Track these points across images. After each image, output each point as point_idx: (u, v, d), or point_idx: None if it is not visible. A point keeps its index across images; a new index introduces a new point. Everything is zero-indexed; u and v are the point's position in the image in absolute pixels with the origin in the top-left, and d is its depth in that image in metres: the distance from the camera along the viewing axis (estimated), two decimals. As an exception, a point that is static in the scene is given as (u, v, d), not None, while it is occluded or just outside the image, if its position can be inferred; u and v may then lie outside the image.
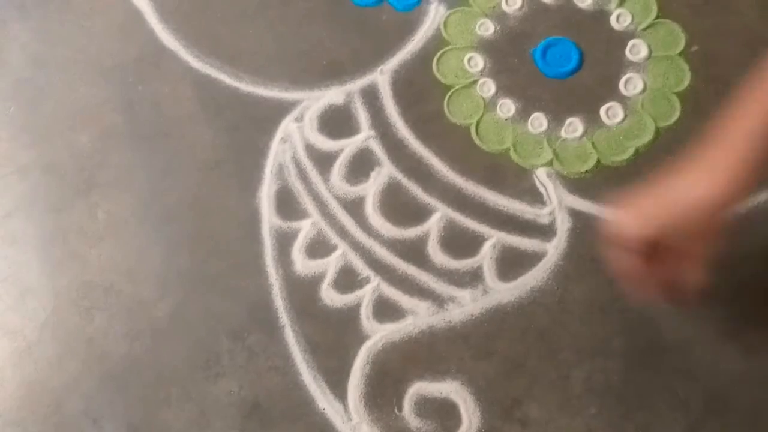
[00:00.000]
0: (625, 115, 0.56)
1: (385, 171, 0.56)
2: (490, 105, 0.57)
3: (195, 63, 0.60)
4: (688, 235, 0.41)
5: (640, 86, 0.57)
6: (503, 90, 0.58)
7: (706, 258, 0.42)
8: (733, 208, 0.40)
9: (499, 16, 0.60)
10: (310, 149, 0.57)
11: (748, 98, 0.42)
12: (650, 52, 0.58)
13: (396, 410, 0.49)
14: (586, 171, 0.55)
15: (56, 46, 0.62)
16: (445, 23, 0.60)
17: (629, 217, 0.41)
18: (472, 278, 0.53)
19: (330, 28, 0.61)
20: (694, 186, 0.41)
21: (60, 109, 0.59)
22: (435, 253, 0.54)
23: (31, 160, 0.58)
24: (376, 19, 0.61)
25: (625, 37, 0.59)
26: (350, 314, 0.52)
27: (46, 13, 0.63)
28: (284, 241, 0.55)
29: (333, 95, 0.59)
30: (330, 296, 0.53)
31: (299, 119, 0.58)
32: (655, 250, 0.40)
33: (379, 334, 0.51)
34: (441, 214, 0.55)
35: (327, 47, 0.60)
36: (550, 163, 0.56)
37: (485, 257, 0.53)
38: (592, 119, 0.57)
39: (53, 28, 0.63)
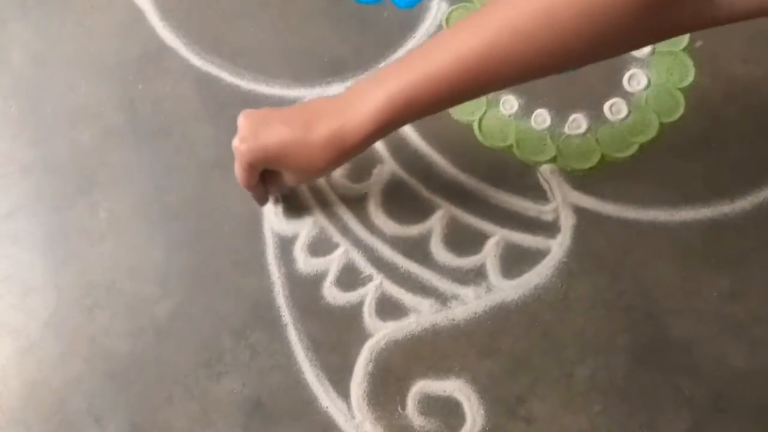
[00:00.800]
0: (629, 111, 0.56)
1: (387, 168, 0.56)
2: (492, 101, 0.57)
3: (196, 61, 0.60)
4: (288, 173, 0.47)
5: (644, 82, 0.57)
6: (506, 86, 0.57)
7: (297, 184, 0.49)
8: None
9: (502, 12, 0.60)
10: (312, 147, 0.57)
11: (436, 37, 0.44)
12: (654, 47, 0.58)
13: (399, 408, 0.49)
14: (590, 167, 0.55)
15: (57, 45, 0.62)
16: (447, 20, 0.60)
17: (244, 141, 0.45)
18: (475, 276, 0.52)
19: (331, 25, 0.60)
20: (311, 139, 0.44)
21: (61, 107, 0.59)
22: (438, 250, 0.53)
23: (33, 159, 0.58)
24: (378, 15, 0.60)
25: (628, 32, 0.58)
26: (353, 312, 0.52)
27: (47, 11, 0.63)
28: (286, 240, 0.54)
29: (334, 92, 0.58)
30: (332, 294, 0.52)
31: (301, 117, 0.58)
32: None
33: (381, 332, 0.51)
34: (444, 211, 0.54)
35: (328, 44, 0.60)
36: (553, 160, 0.55)
37: (488, 255, 0.53)
38: (596, 115, 0.56)
39: (54, 26, 0.62)
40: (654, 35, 0.41)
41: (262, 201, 0.53)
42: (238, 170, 0.47)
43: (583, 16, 0.37)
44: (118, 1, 0.63)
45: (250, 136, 0.45)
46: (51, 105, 0.60)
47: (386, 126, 0.44)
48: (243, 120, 0.46)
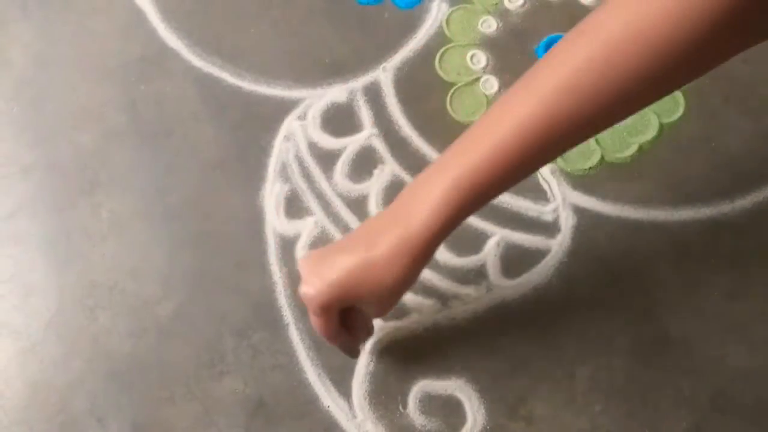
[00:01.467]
0: (629, 112, 0.56)
1: (388, 169, 0.56)
2: (492, 102, 0.57)
3: (197, 62, 0.60)
4: (368, 304, 0.41)
5: (643, 82, 0.57)
6: (506, 87, 0.58)
7: (382, 314, 0.44)
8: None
9: (502, 13, 0.60)
10: (313, 147, 0.57)
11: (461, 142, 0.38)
12: (653, 48, 0.58)
13: (400, 408, 0.49)
14: (590, 167, 0.55)
15: (58, 46, 0.62)
16: (447, 21, 0.60)
17: (309, 284, 0.40)
18: (476, 276, 0.53)
19: (332, 26, 0.61)
20: (380, 265, 0.39)
21: (62, 108, 0.59)
22: (439, 250, 0.53)
23: (34, 159, 0.58)
24: (379, 16, 0.61)
25: (628, 33, 0.59)
26: (354, 312, 0.52)
27: (48, 13, 0.63)
28: (287, 240, 0.54)
29: (335, 93, 0.59)
30: (334, 294, 0.53)
31: (302, 117, 0.58)
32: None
33: (383, 332, 0.51)
34: (444, 211, 0.54)
35: (329, 45, 0.60)
36: (553, 161, 0.55)
37: (489, 254, 0.53)
38: (596, 116, 0.56)
39: (55, 27, 0.63)
40: (720, 59, 0.36)
41: (354, 351, 0.47)
42: (314, 320, 0.41)
43: (643, 56, 0.33)
44: (119, 2, 0.63)
45: (313, 277, 0.40)
46: (52, 106, 0.60)
47: (454, 220, 0.39)
48: (302, 264, 0.41)
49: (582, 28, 0.35)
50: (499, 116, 0.37)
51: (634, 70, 0.34)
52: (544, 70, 0.36)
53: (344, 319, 0.42)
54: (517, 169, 0.37)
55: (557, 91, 0.35)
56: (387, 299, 0.41)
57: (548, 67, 0.36)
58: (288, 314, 0.52)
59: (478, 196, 0.38)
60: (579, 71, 0.35)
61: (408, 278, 0.40)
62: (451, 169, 0.37)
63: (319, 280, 0.39)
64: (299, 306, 0.52)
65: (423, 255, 0.39)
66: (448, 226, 0.39)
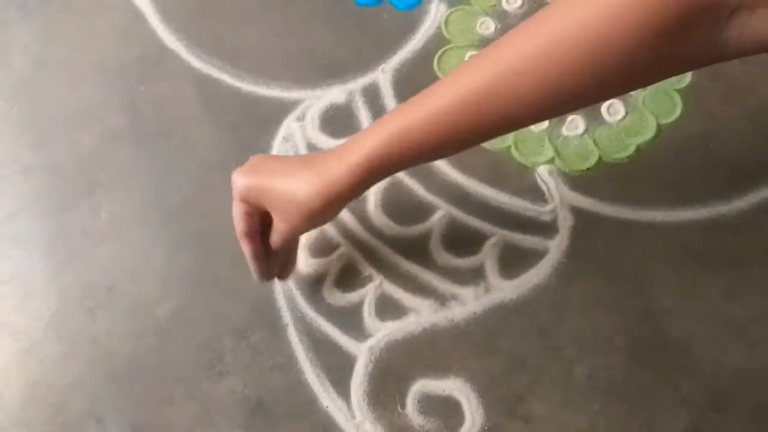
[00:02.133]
0: (627, 112, 0.57)
1: (387, 169, 0.56)
2: (491, 103, 0.57)
3: (196, 63, 0.60)
4: (276, 214, 0.45)
5: (641, 83, 0.57)
6: (504, 88, 0.58)
7: (289, 233, 0.46)
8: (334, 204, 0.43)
9: (500, 15, 0.61)
10: (312, 148, 0.57)
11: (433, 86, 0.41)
12: (651, 49, 0.58)
13: (399, 408, 0.49)
14: (588, 168, 0.55)
15: (58, 47, 0.62)
16: (445, 22, 0.60)
17: (240, 172, 0.45)
18: (474, 276, 0.53)
19: (331, 27, 0.61)
20: (301, 180, 0.43)
21: (62, 109, 0.60)
22: (437, 251, 0.54)
23: (34, 160, 0.58)
24: (377, 18, 0.61)
25: (626, 34, 0.59)
26: (353, 312, 0.52)
27: (48, 14, 0.64)
28: (287, 240, 0.55)
29: (334, 94, 0.59)
30: (333, 294, 0.53)
31: (301, 118, 0.58)
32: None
33: (381, 333, 0.51)
34: (443, 212, 0.55)
35: (328, 46, 0.60)
36: (551, 161, 0.56)
37: (487, 255, 0.53)
38: (594, 117, 0.57)
39: (55, 28, 0.63)
40: (661, 71, 0.38)
41: (259, 264, 0.48)
42: (234, 209, 0.46)
43: (586, 54, 0.35)
44: (118, 3, 0.63)
45: (250, 169, 0.45)
46: (52, 107, 0.60)
47: (379, 167, 0.41)
48: (250, 160, 0.47)
49: (534, 17, 0.37)
50: (443, 86, 0.40)
51: (570, 65, 0.36)
52: (494, 52, 0.38)
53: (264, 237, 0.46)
54: (449, 136, 0.40)
55: (501, 73, 0.37)
56: (293, 215, 0.44)
57: (498, 49, 0.38)
58: (287, 315, 0.52)
59: (407, 152, 0.41)
60: (523, 56, 0.37)
61: (314, 206, 0.43)
62: (385, 123, 0.41)
63: (249, 171, 0.45)
64: (299, 307, 0.52)
65: (339, 190, 0.42)
66: (370, 174, 0.42)
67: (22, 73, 0.61)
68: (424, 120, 0.40)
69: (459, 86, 0.39)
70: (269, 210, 0.45)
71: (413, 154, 0.41)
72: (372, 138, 0.41)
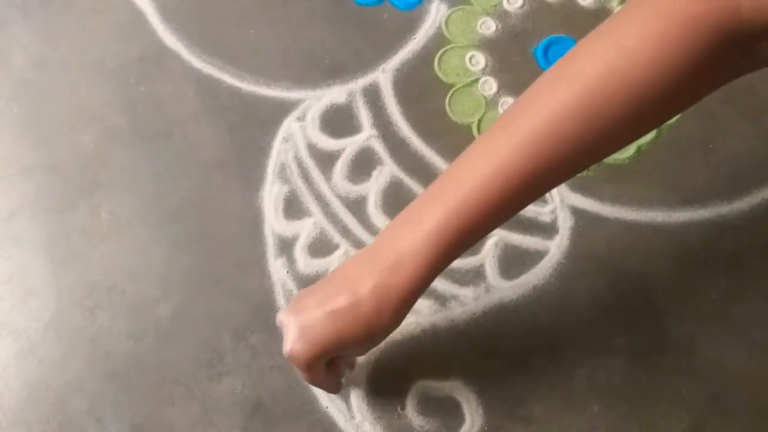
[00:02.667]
0: (627, 113, 0.56)
1: (387, 170, 0.56)
2: (491, 103, 0.57)
3: (197, 63, 0.60)
4: (353, 352, 0.42)
5: (642, 84, 0.57)
6: (505, 88, 0.58)
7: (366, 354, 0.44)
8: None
9: (501, 15, 0.60)
10: (312, 148, 0.57)
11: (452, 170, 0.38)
12: (652, 49, 0.58)
13: (398, 409, 0.49)
14: (588, 169, 0.55)
15: (58, 47, 0.62)
16: (446, 22, 0.60)
17: (295, 346, 0.39)
18: (474, 276, 0.53)
19: (331, 27, 0.61)
20: (365, 317, 0.38)
21: (62, 109, 0.60)
22: (437, 251, 0.53)
23: (34, 160, 0.58)
24: (378, 18, 0.61)
25: (626, 34, 0.59)
26: (353, 313, 0.52)
27: (48, 14, 0.63)
28: (286, 241, 0.55)
29: (335, 94, 0.59)
30: (332, 295, 0.53)
31: (301, 118, 0.58)
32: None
33: (381, 333, 0.51)
34: (443, 212, 0.54)
35: (328, 46, 0.60)
36: (552, 162, 0.55)
37: (487, 255, 0.53)
38: (594, 117, 0.56)
39: (55, 29, 0.63)
40: (697, 98, 0.37)
41: (336, 388, 0.46)
42: (302, 375, 0.41)
43: (622, 101, 0.34)
44: (119, 3, 0.63)
45: (299, 337, 0.39)
46: (52, 107, 0.60)
47: (437, 266, 0.37)
48: (284, 320, 0.40)
49: (559, 73, 0.36)
50: (479, 158, 0.37)
51: (613, 114, 0.34)
52: (523, 114, 0.36)
53: (329, 363, 0.42)
54: (498, 211, 0.37)
55: (537, 138, 0.35)
56: (372, 345, 0.41)
57: (528, 111, 0.36)
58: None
59: (460, 240, 0.37)
60: (558, 118, 0.35)
61: (393, 326, 0.39)
62: (433, 212, 0.37)
63: (303, 340, 0.38)
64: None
65: (408, 303, 0.38)
66: (432, 273, 0.38)
67: (22, 74, 0.61)
68: (468, 201, 0.36)
69: (493, 160, 0.36)
70: (340, 353, 0.41)
71: (465, 239, 0.38)
72: (415, 238, 0.37)
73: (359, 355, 0.44)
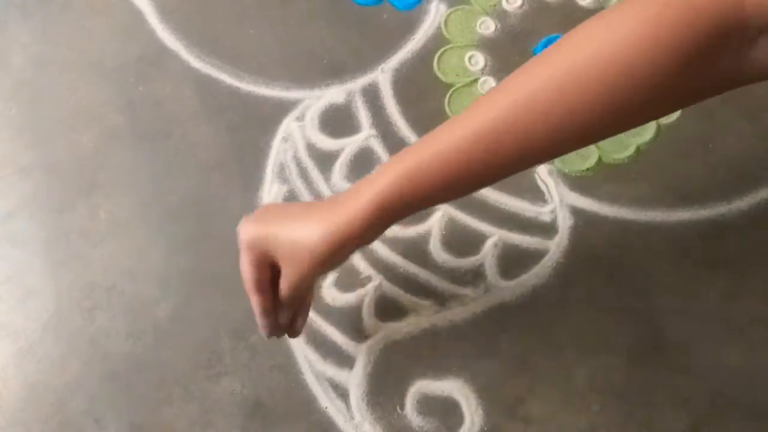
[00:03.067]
0: (627, 113, 0.56)
1: (387, 170, 0.56)
2: (491, 103, 0.57)
3: (196, 63, 0.60)
4: (284, 261, 0.42)
5: (641, 84, 0.57)
6: (504, 88, 0.58)
7: (298, 281, 0.43)
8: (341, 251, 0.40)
9: (500, 14, 0.61)
10: (312, 148, 0.57)
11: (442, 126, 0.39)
12: (651, 49, 0.58)
13: (398, 409, 0.49)
14: (588, 168, 0.55)
15: (57, 47, 0.62)
16: (445, 22, 0.60)
17: (245, 223, 0.43)
18: (474, 276, 0.53)
19: (331, 27, 0.61)
20: (309, 225, 0.41)
21: (61, 109, 0.60)
22: (437, 251, 0.54)
23: (33, 160, 0.58)
24: (377, 17, 0.61)
25: (625, 34, 0.59)
26: (352, 313, 0.52)
27: (47, 13, 0.64)
28: (286, 241, 0.54)
29: (334, 94, 0.59)
30: (332, 295, 0.53)
31: (300, 118, 0.58)
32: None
33: (380, 333, 0.51)
34: (442, 212, 0.55)
35: (328, 46, 0.60)
36: (551, 161, 0.56)
37: (487, 255, 0.53)
38: (594, 117, 0.56)
39: (54, 28, 0.63)
40: (685, 98, 0.37)
41: (267, 320, 0.45)
42: (242, 262, 0.43)
43: (605, 85, 0.33)
44: (117, 3, 0.63)
45: (254, 220, 0.43)
46: (51, 107, 0.60)
47: (390, 208, 0.39)
48: (255, 211, 0.45)
49: (545, 55, 0.36)
50: (454, 122, 0.38)
51: (595, 99, 0.34)
52: (507, 86, 0.37)
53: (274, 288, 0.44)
54: (460, 174, 0.38)
55: (513, 108, 0.36)
56: (301, 261, 0.42)
57: (511, 83, 0.37)
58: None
59: (418, 192, 0.39)
60: (536, 91, 0.35)
61: (322, 250, 0.40)
62: (394, 164, 0.39)
63: (255, 220, 0.43)
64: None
65: (350, 236, 0.40)
66: (381, 216, 0.40)
67: (21, 74, 0.61)
68: (434, 158, 0.38)
69: (470, 123, 0.37)
70: (277, 259, 0.42)
71: (425, 194, 0.39)
72: (381, 179, 0.39)
73: (289, 277, 0.43)
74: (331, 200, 0.42)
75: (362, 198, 0.39)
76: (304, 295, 0.46)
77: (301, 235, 0.41)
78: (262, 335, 0.46)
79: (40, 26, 0.63)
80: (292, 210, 0.44)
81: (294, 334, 0.48)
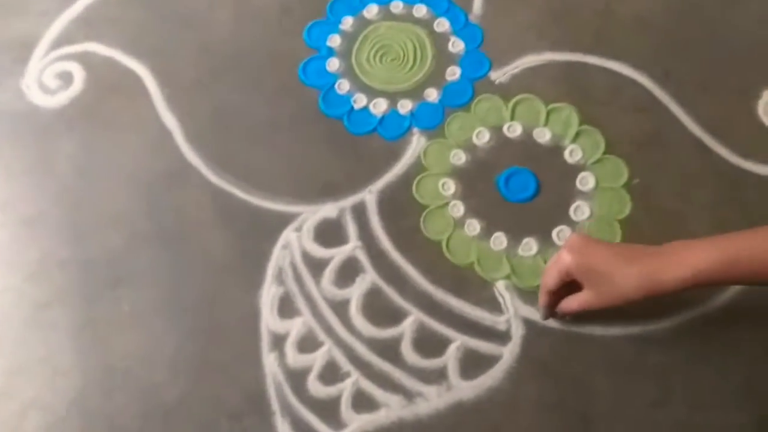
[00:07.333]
0: (574, 238, 0.66)
1: (369, 277, 0.66)
2: (459, 224, 0.67)
3: (213, 178, 0.71)
4: (591, 287, 0.55)
5: (587, 213, 0.67)
6: (471, 211, 0.68)
7: (596, 305, 0.56)
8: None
9: (470, 148, 0.71)
10: (306, 256, 0.67)
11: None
12: (597, 183, 0.68)
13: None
14: (539, 285, 0.65)
15: (97, 159, 0.72)
16: (424, 152, 0.71)
17: (570, 253, 0.55)
18: (438, 376, 0.61)
19: (329, 151, 0.72)
20: (630, 274, 0.52)
21: (97, 213, 0.70)
22: (407, 352, 0.63)
23: (70, 256, 0.68)
24: (368, 146, 0.72)
25: (576, 169, 0.69)
26: (332, 404, 0.61)
27: (90, 129, 0.74)
28: (279, 336, 0.64)
29: (328, 210, 0.69)
30: (315, 387, 0.61)
31: (298, 229, 0.68)
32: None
33: (355, 423, 0.60)
34: (414, 317, 0.64)
35: (325, 169, 0.71)
36: (508, 277, 0.65)
37: (450, 358, 0.62)
38: (546, 240, 0.66)
39: (95, 142, 0.73)
40: None
41: (548, 311, 0.61)
42: (552, 273, 0.56)
43: None
44: (150, 123, 0.74)
45: (579, 250, 0.54)
46: (88, 210, 0.70)
47: (703, 284, 0.50)
48: (575, 237, 0.56)
49: None
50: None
51: None
52: None
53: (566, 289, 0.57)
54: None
55: None
56: (609, 300, 0.54)
57: None
58: (275, 403, 0.61)
59: (734, 272, 0.49)
60: None
61: (637, 299, 0.52)
62: (718, 240, 0.50)
63: (580, 254, 0.54)
64: (286, 396, 0.61)
65: (661, 291, 0.51)
66: (694, 283, 0.50)
67: (64, 180, 0.72)
68: (755, 249, 0.48)
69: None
70: (585, 285, 0.55)
71: (740, 279, 0.50)
72: (707, 255, 0.49)
73: (590, 299, 0.55)
74: (652, 254, 0.52)
75: (684, 267, 0.49)
76: None
77: (620, 279, 0.52)
78: (540, 317, 0.62)
79: (82, 139, 0.73)
80: (615, 251, 0.54)
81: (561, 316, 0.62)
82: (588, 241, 0.55)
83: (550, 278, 0.57)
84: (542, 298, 0.60)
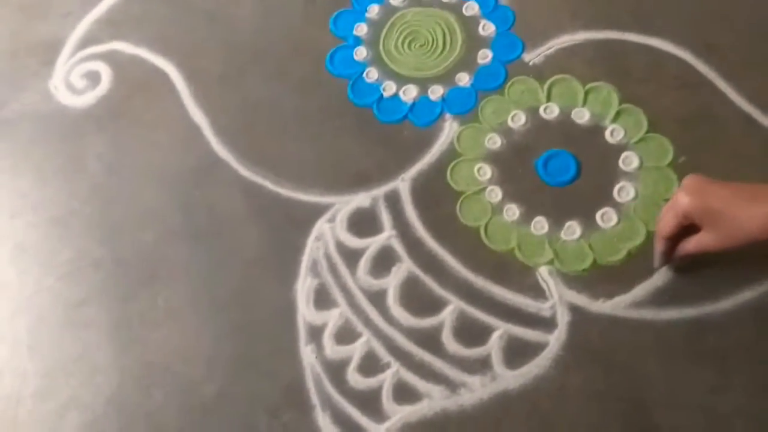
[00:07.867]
0: (619, 220, 0.64)
1: (405, 266, 0.64)
2: (497, 209, 0.65)
3: (244, 171, 0.70)
4: (712, 229, 0.52)
5: (632, 194, 0.64)
6: (509, 196, 0.66)
7: (718, 247, 0.52)
8: None
9: (506, 131, 0.69)
10: (340, 246, 0.66)
11: None
12: (641, 163, 0.66)
13: (411, 486, 0.55)
14: (584, 269, 0.62)
15: (127, 156, 0.72)
16: (458, 137, 0.69)
17: (689, 195, 0.52)
18: (481, 365, 0.59)
19: (359, 142, 0.70)
20: (755, 212, 0.49)
21: (129, 210, 0.69)
22: (448, 341, 0.61)
23: (104, 254, 0.68)
24: (399, 134, 0.70)
25: (618, 149, 0.67)
26: (372, 396, 0.59)
27: (119, 127, 0.74)
28: (316, 328, 0.62)
29: (361, 199, 0.67)
30: (355, 379, 0.60)
31: (331, 220, 0.67)
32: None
33: (398, 416, 0.58)
34: (454, 306, 0.62)
35: (356, 158, 0.69)
36: (551, 262, 0.63)
37: (493, 346, 0.60)
38: (589, 223, 0.64)
39: (125, 140, 0.73)
40: None
41: (665, 258, 0.58)
42: (668, 217, 0.54)
43: None
44: (178, 119, 0.74)
45: (697, 191, 0.52)
46: (120, 208, 0.70)
47: None
48: (691, 179, 0.53)
49: None
50: None
51: None
52: None
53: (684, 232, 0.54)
54: None
55: None
56: (731, 242, 0.51)
57: None
58: (314, 397, 0.59)
59: None
60: None
61: (756, 238, 0.49)
62: None
63: (699, 196, 0.51)
64: (325, 389, 0.59)
65: None
66: None
67: (95, 178, 0.72)
68: None
69: None
70: (704, 227, 0.52)
71: None
72: None
73: (711, 242, 0.52)
74: None
75: None
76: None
77: (745, 218, 0.49)
78: (655, 264, 0.60)
79: (111, 138, 0.74)
80: (734, 190, 0.51)
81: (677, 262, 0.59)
82: (705, 181, 0.52)
83: (666, 223, 0.54)
84: (658, 244, 0.57)
